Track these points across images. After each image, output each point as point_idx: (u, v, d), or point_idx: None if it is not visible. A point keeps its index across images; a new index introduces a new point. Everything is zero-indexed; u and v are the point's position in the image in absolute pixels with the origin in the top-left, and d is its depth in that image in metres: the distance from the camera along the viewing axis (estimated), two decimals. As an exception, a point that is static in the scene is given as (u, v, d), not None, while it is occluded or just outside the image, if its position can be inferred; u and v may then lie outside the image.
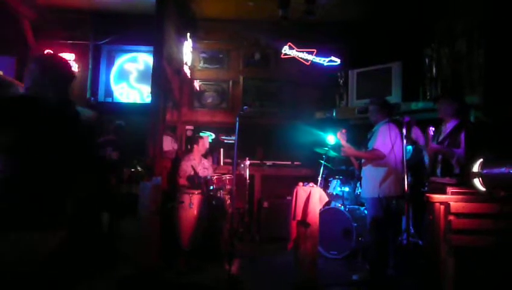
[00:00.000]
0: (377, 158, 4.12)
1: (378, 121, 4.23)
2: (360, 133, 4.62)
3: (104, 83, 6.82)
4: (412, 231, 4.73)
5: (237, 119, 4.29)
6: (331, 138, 4.58)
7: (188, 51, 6.24)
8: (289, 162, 6.62)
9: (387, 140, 4.08)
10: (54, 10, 6.24)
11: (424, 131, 3.87)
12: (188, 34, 6.23)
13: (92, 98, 6.52)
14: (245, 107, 4.57)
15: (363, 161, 4.42)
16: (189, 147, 5.58)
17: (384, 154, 4.06)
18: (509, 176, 2.40)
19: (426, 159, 4.05)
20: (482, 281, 2.78)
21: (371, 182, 4.22)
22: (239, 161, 5.58)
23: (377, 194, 4.08)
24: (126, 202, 4.54)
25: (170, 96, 5.64)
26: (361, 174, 4.39)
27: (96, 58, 6.71)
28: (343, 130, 4.44)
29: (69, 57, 6.39)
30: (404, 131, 3.83)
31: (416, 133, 3.95)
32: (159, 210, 4.20)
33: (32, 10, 6.07)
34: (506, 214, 2.84)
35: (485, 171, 2.67)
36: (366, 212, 5.11)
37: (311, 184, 4.10)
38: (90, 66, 6.57)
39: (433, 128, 3.83)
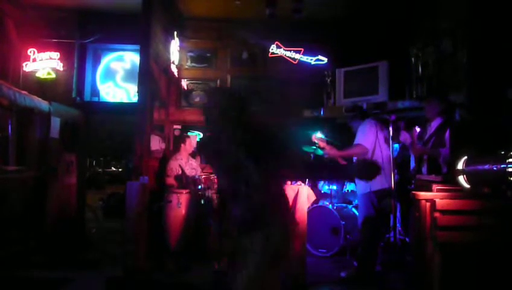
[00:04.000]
0: (361, 152, 4.18)
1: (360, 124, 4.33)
2: (347, 132, 4.65)
3: (90, 82, 6.74)
4: (399, 228, 4.79)
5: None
6: (314, 138, 4.61)
7: (175, 49, 6.21)
8: (277, 161, 6.62)
9: (367, 135, 4.16)
10: (38, 8, 6.15)
11: (410, 130, 3.93)
12: (175, 33, 6.20)
13: (78, 98, 6.43)
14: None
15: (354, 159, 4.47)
16: (176, 146, 5.55)
17: (367, 148, 4.11)
18: (492, 173, 2.44)
19: (412, 157, 4.10)
20: (468, 276, 2.82)
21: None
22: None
23: (368, 188, 4.13)
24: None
25: (157, 96, 5.60)
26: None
27: (82, 57, 6.62)
28: (319, 134, 4.53)
29: (53, 55, 6.30)
30: (390, 129, 3.88)
31: (404, 136, 4.01)
32: (147, 210, 4.17)
33: (17, 9, 5.97)
34: (490, 210, 2.90)
35: (469, 168, 2.71)
36: (353, 210, 5.16)
37: (299, 183, 4.11)
38: (75, 65, 6.49)
39: (419, 129, 3.90)
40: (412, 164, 4.10)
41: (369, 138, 4.15)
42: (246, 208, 2.13)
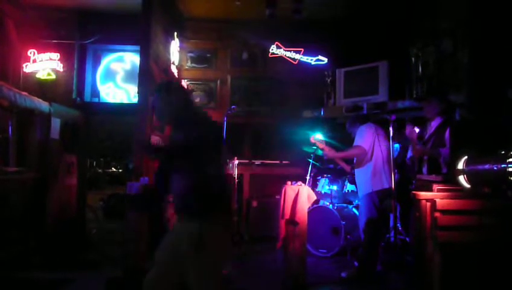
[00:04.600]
0: (359, 154, 4.20)
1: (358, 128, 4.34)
2: (347, 132, 4.66)
3: (90, 83, 6.74)
4: (400, 228, 4.79)
5: (225, 118, 4.29)
6: (313, 139, 4.59)
7: (175, 50, 6.21)
8: (278, 161, 6.63)
9: (366, 137, 4.19)
10: (38, 9, 6.15)
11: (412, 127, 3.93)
12: (175, 34, 6.20)
13: (78, 99, 6.43)
14: (233, 106, 4.58)
15: (354, 161, 4.48)
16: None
17: (365, 149, 4.13)
18: (493, 173, 2.44)
19: (409, 152, 4.10)
20: (468, 276, 2.82)
21: (362, 179, 4.28)
22: (227, 160, 5.56)
23: (370, 188, 4.14)
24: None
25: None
26: (355, 178, 4.45)
27: (82, 58, 6.62)
28: (317, 135, 4.52)
29: (54, 56, 6.30)
30: (391, 129, 3.88)
31: (409, 129, 4.01)
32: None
33: (17, 9, 5.98)
34: (490, 210, 2.89)
35: (469, 168, 2.71)
36: (354, 210, 5.16)
37: (299, 183, 4.11)
38: (75, 66, 6.49)
39: (419, 129, 3.90)
40: (409, 154, 4.09)
41: (367, 140, 4.17)
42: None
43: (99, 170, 17.36)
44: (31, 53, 6.27)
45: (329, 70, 6.50)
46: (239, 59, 6.92)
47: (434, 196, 2.96)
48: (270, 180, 6.31)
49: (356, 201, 5.21)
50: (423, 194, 3.04)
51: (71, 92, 6.43)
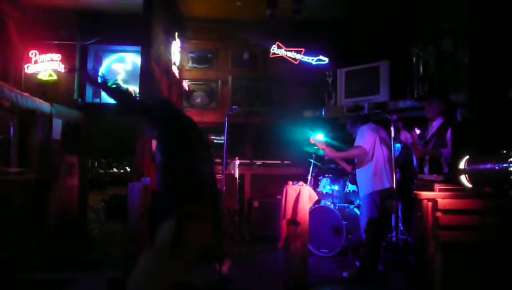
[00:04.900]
0: (360, 154, 4.20)
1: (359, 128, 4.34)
2: (349, 132, 4.66)
3: (91, 83, 6.74)
4: (401, 228, 4.78)
5: (226, 118, 4.29)
6: (312, 140, 4.59)
7: (176, 50, 6.22)
8: (279, 161, 6.64)
9: (366, 137, 4.19)
10: (39, 10, 6.16)
11: (410, 130, 3.93)
12: (176, 34, 6.21)
13: (80, 99, 6.44)
14: (234, 106, 4.57)
15: (355, 161, 4.48)
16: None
17: (366, 149, 4.13)
18: (494, 172, 2.44)
19: (414, 158, 4.10)
20: (470, 276, 2.82)
21: (363, 179, 4.28)
22: (229, 160, 5.57)
23: (371, 188, 4.14)
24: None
25: (159, 97, 5.61)
26: (356, 178, 4.45)
27: (83, 59, 6.64)
28: (318, 136, 4.53)
29: (55, 57, 6.32)
30: (392, 129, 3.88)
31: (405, 135, 4.02)
32: (149, 211, 4.17)
33: (17, 10, 5.99)
34: (492, 210, 2.89)
35: (471, 167, 2.71)
36: (355, 210, 5.16)
37: (300, 183, 4.11)
38: (77, 67, 6.50)
39: (419, 130, 3.90)
40: (416, 166, 4.09)
41: (368, 140, 4.17)
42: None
43: (101, 171, 17.35)
44: (32, 54, 6.28)
45: (331, 70, 6.50)
46: (240, 59, 6.93)
47: (436, 196, 2.96)
48: (272, 180, 6.32)
49: (357, 201, 5.21)
50: (425, 194, 3.04)
51: (72, 93, 6.44)
